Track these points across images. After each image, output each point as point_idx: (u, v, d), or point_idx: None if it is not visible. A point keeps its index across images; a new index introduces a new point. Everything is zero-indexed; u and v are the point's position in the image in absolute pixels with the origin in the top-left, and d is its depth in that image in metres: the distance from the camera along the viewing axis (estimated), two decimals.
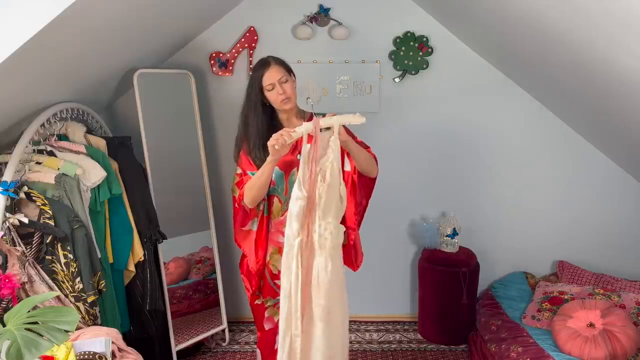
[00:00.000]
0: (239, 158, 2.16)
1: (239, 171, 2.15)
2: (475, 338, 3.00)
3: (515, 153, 3.26)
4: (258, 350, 2.34)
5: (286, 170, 2.09)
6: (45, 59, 1.92)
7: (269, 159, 1.94)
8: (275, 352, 2.08)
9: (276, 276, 2.14)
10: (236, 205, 2.14)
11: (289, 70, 2.09)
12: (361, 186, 2.14)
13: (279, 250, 2.08)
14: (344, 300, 1.96)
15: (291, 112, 2.12)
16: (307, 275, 1.88)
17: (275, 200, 2.12)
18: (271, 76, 2.02)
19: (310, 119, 2.12)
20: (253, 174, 2.08)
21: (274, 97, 2.04)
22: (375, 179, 2.18)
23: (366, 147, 2.16)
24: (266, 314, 2.22)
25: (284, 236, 1.96)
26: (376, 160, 2.16)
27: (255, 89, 2.04)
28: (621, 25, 1.69)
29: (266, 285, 2.20)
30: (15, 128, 2.28)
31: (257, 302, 2.23)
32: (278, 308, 2.04)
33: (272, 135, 1.86)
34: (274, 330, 2.14)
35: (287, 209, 1.95)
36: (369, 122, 3.15)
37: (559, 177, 3.27)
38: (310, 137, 1.84)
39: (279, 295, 2.02)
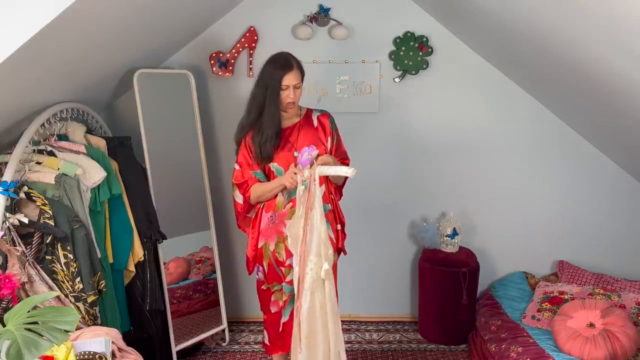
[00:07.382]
0: (239, 150, 2.34)
1: (238, 167, 2.34)
2: (475, 338, 3.00)
3: (515, 153, 3.26)
4: (265, 331, 2.50)
5: (286, 167, 2.29)
6: (45, 59, 1.92)
7: (279, 184, 2.23)
8: (280, 333, 2.40)
9: (281, 263, 2.34)
10: (240, 202, 2.37)
11: (302, 75, 2.29)
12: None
13: (283, 240, 2.29)
14: (327, 331, 2.16)
15: (292, 111, 2.33)
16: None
17: (279, 194, 2.30)
18: (290, 79, 2.21)
19: (307, 114, 2.38)
20: (256, 174, 2.30)
21: (283, 96, 2.23)
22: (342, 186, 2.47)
23: (345, 159, 2.44)
24: (272, 298, 2.41)
25: (286, 227, 2.24)
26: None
27: (277, 84, 2.20)
28: (621, 25, 1.69)
29: (272, 271, 2.36)
30: (15, 128, 2.28)
31: (263, 287, 2.41)
32: (283, 292, 2.35)
33: (287, 176, 2.20)
34: (279, 313, 2.40)
35: (289, 202, 2.28)
36: (369, 122, 3.21)
37: (559, 177, 3.27)
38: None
39: (284, 281, 2.34)
